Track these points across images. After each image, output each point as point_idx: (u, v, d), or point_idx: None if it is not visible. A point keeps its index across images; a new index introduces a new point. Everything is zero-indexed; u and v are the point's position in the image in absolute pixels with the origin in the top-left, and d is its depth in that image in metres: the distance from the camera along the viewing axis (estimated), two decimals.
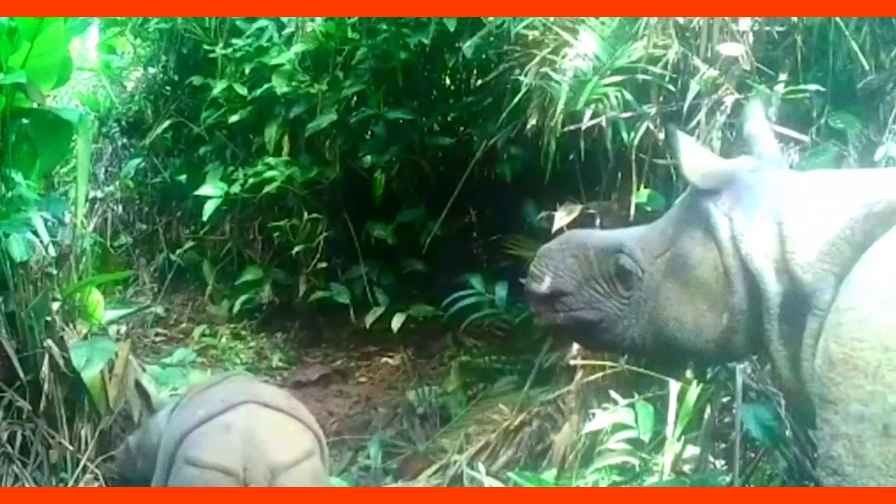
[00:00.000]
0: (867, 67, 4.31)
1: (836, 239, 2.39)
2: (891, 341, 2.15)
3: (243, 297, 7.89)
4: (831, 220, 2.42)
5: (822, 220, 2.44)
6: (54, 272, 5.20)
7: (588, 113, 4.62)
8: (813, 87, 4.31)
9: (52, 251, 5.26)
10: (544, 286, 2.89)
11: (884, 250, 2.30)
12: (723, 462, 4.13)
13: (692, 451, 4.08)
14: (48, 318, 5.07)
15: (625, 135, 4.59)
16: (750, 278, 2.55)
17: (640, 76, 4.62)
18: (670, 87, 4.62)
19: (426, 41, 6.91)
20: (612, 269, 2.82)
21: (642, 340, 2.82)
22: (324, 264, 7.48)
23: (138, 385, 4.31)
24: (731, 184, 2.64)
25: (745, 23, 4.52)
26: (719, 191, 2.64)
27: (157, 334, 7.88)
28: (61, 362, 4.96)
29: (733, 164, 2.78)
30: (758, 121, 2.91)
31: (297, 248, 7.45)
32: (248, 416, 3.82)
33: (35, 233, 5.09)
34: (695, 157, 2.74)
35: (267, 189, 7.40)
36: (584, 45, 4.78)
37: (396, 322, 7.09)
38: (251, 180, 7.52)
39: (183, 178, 8.66)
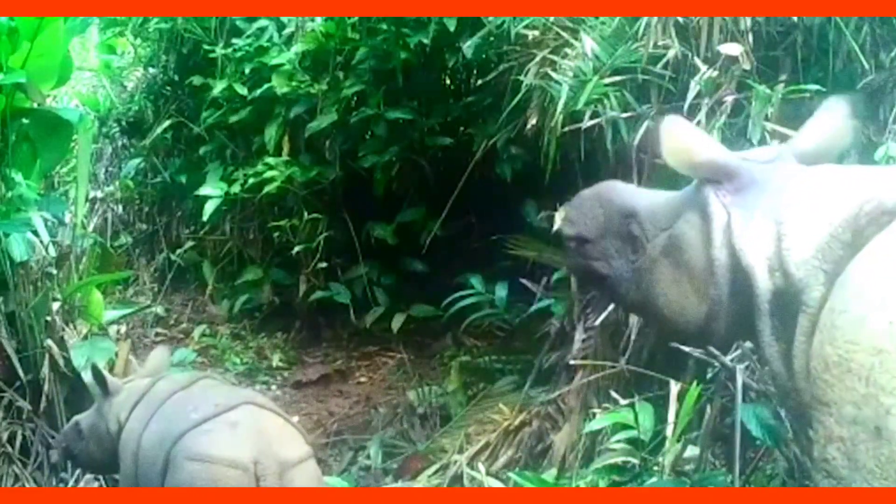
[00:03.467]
0: (867, 67, 4.31)
1: (828, 237, 2.39)
2: (883, 343, 2.14)
3: (243, 297, 7.90)
4: (825, 218, 2.42)
5: (817, 219, 2.44)
6: (54, 272, 5.21)
7: (588, 113, 4.62)
8: (813, 87, 4.30)
9: (52, 251, 5.26)
10: (570, 230, 2.98)
11: (877, 251, 2.29)
12: (723, 462, 4.13)
13: (692, 451, 4.07)
14: (48, 318, 5.08)
15: (625, 135, 4.59)
16: (737, 273, 2.55)
17: (640, 76, 4.62)
18: (670, 87, 4.61)
19: (426, 41, 6.91)
20: (625, 232, 2.85)
21: (637, 307, 2.92)
22: (324, 264, 7.48)
23: (94, 368, 4.24)
24: (731, 176, 2.63)
25: (745, 23, 4.52)
26: (721, 181, 2.64)
27: (157, 334, 7.88)
28: (61, 362, 4.97)
29: (737, 157, 2.75)
30: (825, 115, 2.79)
31: (297, 248, 7.45)
32: (252, 415, 3.81)
33: (35, 233, 5.10)
34: (682, 146, 2.71)
35: (267, 189, 7.40)
36: (584, 45, 4.78)
37: (396, 322, 7.10)
38: (251, 180, 7.51)
39: (183, 178, 8.66)
